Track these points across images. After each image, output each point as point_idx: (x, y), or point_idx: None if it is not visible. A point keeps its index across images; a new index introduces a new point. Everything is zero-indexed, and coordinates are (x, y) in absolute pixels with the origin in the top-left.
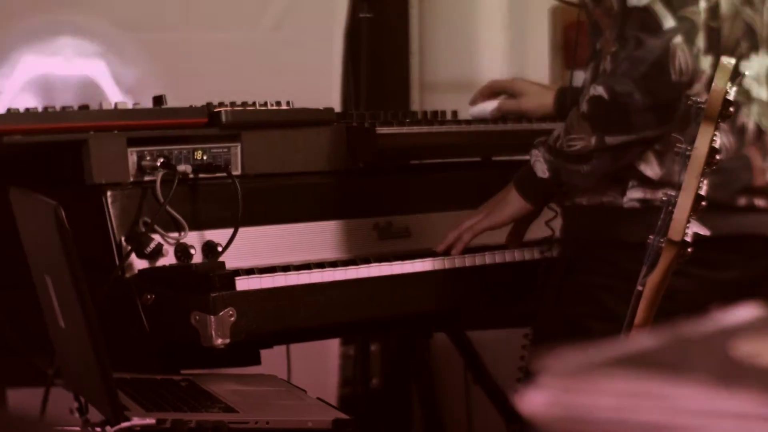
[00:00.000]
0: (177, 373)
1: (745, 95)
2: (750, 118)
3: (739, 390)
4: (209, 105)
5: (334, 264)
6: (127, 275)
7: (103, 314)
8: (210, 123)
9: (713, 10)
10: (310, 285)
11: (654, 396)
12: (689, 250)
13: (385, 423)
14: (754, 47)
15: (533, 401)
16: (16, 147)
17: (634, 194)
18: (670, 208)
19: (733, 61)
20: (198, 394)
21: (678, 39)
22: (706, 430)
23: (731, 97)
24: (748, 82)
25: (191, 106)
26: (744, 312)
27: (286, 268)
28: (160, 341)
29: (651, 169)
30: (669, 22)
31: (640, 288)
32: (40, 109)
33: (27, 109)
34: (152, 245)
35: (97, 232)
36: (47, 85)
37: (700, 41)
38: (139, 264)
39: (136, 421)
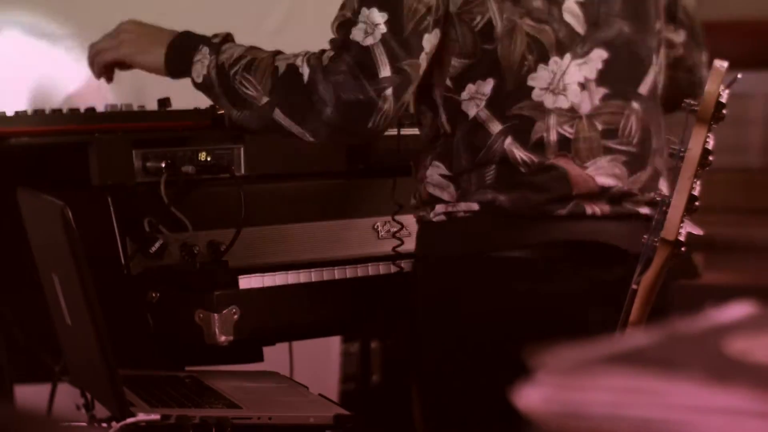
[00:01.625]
0: (181, 370)
1: (538, 108)
2: (550, 131)
3: (731, 386)
4: (213, 107)
5: (335, 263)
6: (133, 274)
7: (108, 312)
8: (213, 125)
9: (485, 34)
10: (312, 283)
11: (648, 392)
12: (683, 249)
13: (385, 419)
14: (542, 58)
15: (530, 398)
16: (23, 148)
17: (439, 209)
18: (664, 208)
19: (725, 64)
20: (202, 390)
21: (389, 91)
22: (699, 425)
23: (724, 99)
24: (539, 94)
25: (195, 109)
26: (736, 309)
27: (288, 267)
28: (165, 339)
29: (447, 194)
30: (385, 71)
31: (634, 287)
32: (47, 111)
33: (34, 111)
34: (157, 245)
35: (103, 232)
36: (52, 87)
37: (409, 94)
38: (144, 263)
39: (142, 416)
